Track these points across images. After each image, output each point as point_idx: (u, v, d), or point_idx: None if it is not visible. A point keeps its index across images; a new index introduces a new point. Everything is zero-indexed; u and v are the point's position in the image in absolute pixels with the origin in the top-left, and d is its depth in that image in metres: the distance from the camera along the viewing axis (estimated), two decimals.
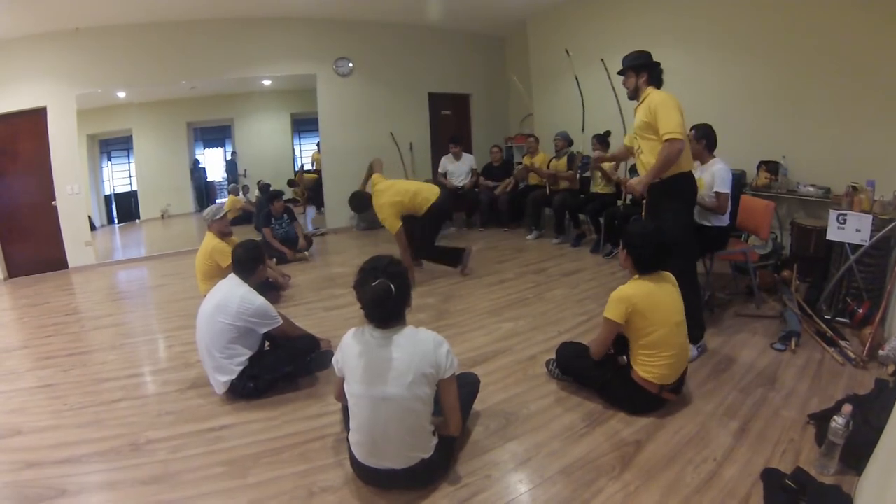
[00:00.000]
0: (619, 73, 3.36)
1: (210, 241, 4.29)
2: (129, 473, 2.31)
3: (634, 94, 3.30)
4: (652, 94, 3.14)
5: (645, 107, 3.14)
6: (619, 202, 6.01)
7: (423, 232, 5.09)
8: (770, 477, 2.06)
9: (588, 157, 6.18)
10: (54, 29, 6.07)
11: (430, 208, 4.87)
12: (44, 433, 2.66)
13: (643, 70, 3.23)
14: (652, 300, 2.55)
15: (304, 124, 9.73)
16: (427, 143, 8.70)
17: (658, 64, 3.25)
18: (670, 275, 2.70)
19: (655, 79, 3.23)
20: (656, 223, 3.04)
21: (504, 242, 6.65)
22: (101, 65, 6.46)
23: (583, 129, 6.59)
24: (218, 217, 4.35)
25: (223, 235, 4.36)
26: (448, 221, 6.93)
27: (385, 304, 1.97)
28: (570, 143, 6.62)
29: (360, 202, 5.15)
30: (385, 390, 1.95)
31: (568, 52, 6.71)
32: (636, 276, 2.64)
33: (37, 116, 6.15)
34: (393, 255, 2.15)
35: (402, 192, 4.86)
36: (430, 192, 4.91)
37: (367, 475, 2.11)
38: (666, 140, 3.00)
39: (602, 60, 5.97)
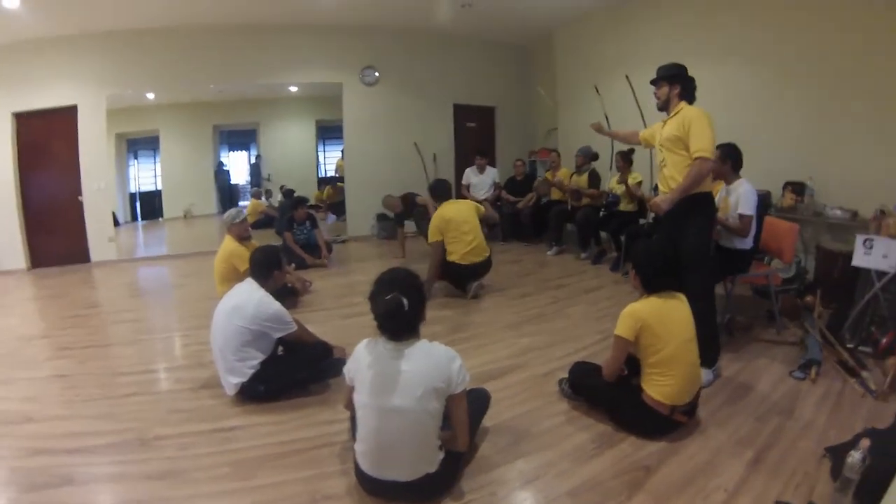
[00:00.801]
0: (652, 82, 3.28)
1: (229, 244, 4.33)
2: (136, 467, 2.32)
3: (665, 106, 3.23)
4: (686, 109, 3.08)
5: (678, 120, 3.07)
6: (642, 221, 5.96)
7: None
8: None
9: (616, 196, 6.15)
10: (88, 30, 6.22)
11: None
12: (55, 422, 2.69)
13: (676, 81, 3.16)
14: (661, 316, 2.52)
15: (328, 131, 9.84)
16: (451, 154, 8.73)
17: (692, 79, 3.19)
18: (681, 294, 2.66)
19: (688, 93, 3.17)
20: (674, 242, 3.00)
21: (526, 257, 6.62)
22: (132, 66, 6.60)
23: (610, 168, 6.55)
24: (238, 220, 4.41)
25: (242, 239, 4.40)
26: None
27: (398, 318, 1.97)
28: (594, 157, 6.57)
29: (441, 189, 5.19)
30: (394, 402, 1.93)
31: (597, 90, 6.66)
32: (645, 295, 2.61)
33: (68, 114, 6.30)
34: (409, 269, 2.14)
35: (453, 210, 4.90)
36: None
37: (370, 486, 2.09)
38: (696, 158, 2.95)
39: (627, 77, 5.92)
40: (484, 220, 5.05)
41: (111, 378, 3.20)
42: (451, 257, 4.80)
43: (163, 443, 2.51)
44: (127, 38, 6.46)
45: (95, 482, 2.22)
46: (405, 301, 1.95)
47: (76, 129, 6.35)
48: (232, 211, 4.50)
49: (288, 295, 4.55)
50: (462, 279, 4.95)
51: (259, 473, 2.30)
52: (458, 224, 4.81)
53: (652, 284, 2.59)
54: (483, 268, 4.95)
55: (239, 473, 2.29)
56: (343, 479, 2.25)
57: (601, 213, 6.32)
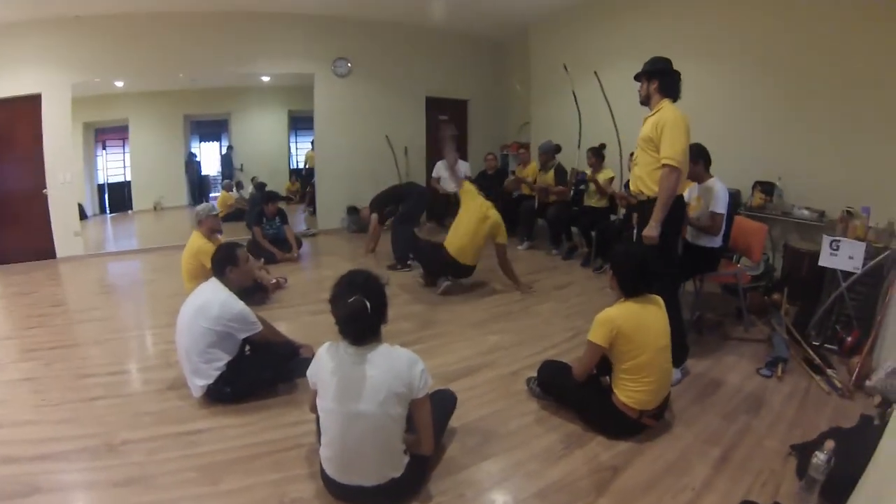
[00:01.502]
0: (636, 77, 3.24)
1: (196, 240, 4.31)
2: (104, 474, 2.30)
3: (646, 101, 3.19)
4: (665, 110, 3.02)
5: (654, 121, 3.04)
6: (613, 217, 6.04)
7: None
8: None
9: (584, 174, 6.19)
10: (53, 15, 6.03)
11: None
12: (22, 427, 2.65)
13: (655, 77, 3.11)
14: (637, 323, 2.53)
15: (300, 122, 9.72)
16: (423, 147, 8.72)
17: (677, 73, 3.13)
18: (659, 298, 2.68)
19: (668, 88, 3.10)
20: (642, 244, 3.05)
21: (492, 252, 6.62)
22: (99, 54, 6.43)
23: (579, 146, 6.60)
24: (213, 213, 4.46)
25: (212, 233, 4.39)
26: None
27: (359, 322, 1.96)
28: (556, 150, 6.60)
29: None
30: (357, 407, 1.93)
31: (566, 68, 6.72)
32: (622, 299, 2.63)
33: (31, 103, 6.11)
34: (370, 271, 2.13)
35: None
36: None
37: (336, 490, 2.11)
38: (665, 165, 2.91)
39: (595, 73, 5.96)
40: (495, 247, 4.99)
41: (78, 380, 3.16)
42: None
43: (130, 448, 2.50)
44: (94, 24, 6.28)
45: (63, 490, 2.20)
46: (368, 304, 1.93)
47: (40, 119, 6.18)
48: (205, 205, 4.51)
49: (256, 291, 4.54)
50: (435, 266, 5.04)
51: (226, 478, 2.30)
52: (461, 217, 4.95)
53: (630, 288, 2.60)
54: (457, 269, 4.96)
55: (206, 478, 2.29)
56: (311, 482, 2.26)
57: (573, 209, 6.37)
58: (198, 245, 4.26)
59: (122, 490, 2.20)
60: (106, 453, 2.45)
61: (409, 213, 5.92)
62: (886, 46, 4.09)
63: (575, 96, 6.63)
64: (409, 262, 5.63)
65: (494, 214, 4.93)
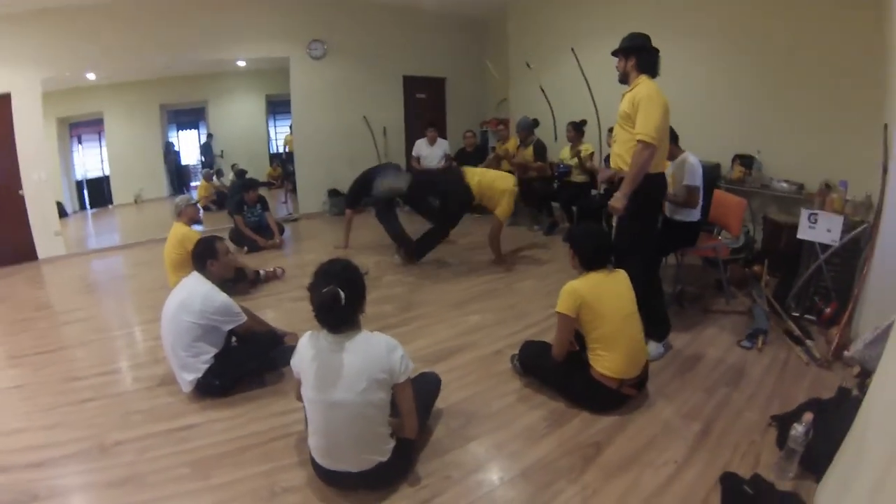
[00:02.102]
0: (613, 53, 3.21)
1: (180, 229, 4.33)
2: (98, 476, 2.33)
3: (624, 78, 3.18)
4: (641, 86, 3.01)
5: (630, 97, 3.03)
6: (594, 191, 6.07)
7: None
8: (728, 482, 2.11)
9: (566, 166, 6.20)
10: (17, 10, 5.88)
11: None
12: (14, 436, 2.67)
13: (632, 54, 3.10)
14: (599, 291, 2.63)
15: (278, 106, 9.61)
16: (401, 127, 8.70)
17: (655, 50, 3.11)
18: (622, 271, 2.76)
19: (646, 65, 3.09)
20: (620, 223, 3.10)
21: (477, 229, 6.64)
22: (67, 47, 6.27)
23: (555, 139, 6.62)
24: (191, 203, 4.53)
25: (193, 223, 4.46)
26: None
27: (334, 311, 1.97)
28: (533, 125, 6.61)
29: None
30: (335, 396, 1.98)
31: (529, 65, 6.73)
32: (584, 273, 2.72)
33: (0, 103, 5.99)
34: (349, 260, 2.16)
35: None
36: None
37: (325, 476, 2.17)
38: (638, 141, 2.92)
39: (572, 49, 5.94)
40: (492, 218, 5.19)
41: (67, 384, 3.17)
42: None
43: (122, 448, 2.53)
44: (60, 16, 6.10)
45: (60, 496, 2.22)
46: (342, 294, 1.95)
47: (11, 119, 6.05)
48: (183, 196, 4.56)
49: (240, 281, 4.60)
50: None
51: (218, 471, 2.35)
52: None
53: (589, 262, 2.70)
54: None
55: (198, 473, 2.34)
56: (301, 470, 2.32)
57: (555, 186, 6.39)
58: (182, 232, 4.29)
59: (117, 491, 2.24)
60: (99, 455, 2.48)
61: (375, 204, 5.72)
62: (864, 25, 4.09)
63: (543, 91, 6.63)
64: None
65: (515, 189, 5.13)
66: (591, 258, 2.70)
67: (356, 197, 5.80)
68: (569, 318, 2.64)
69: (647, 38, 3.13)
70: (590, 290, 2.62)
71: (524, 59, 7.83)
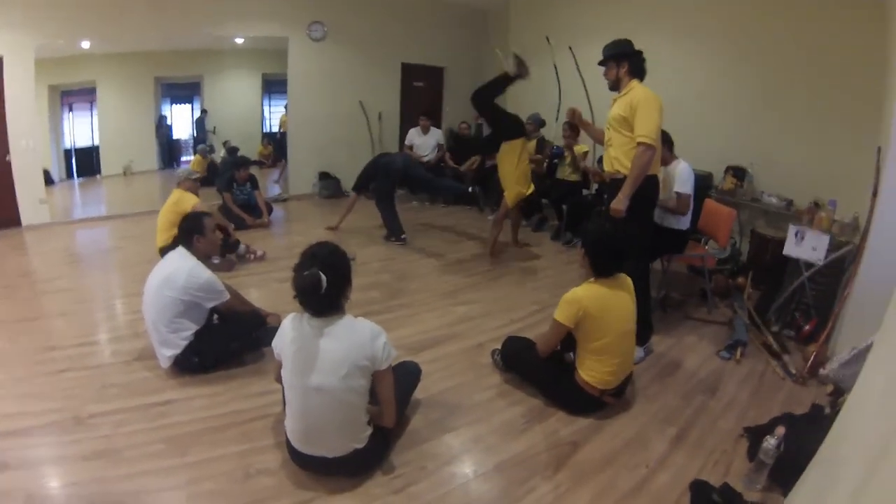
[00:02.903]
0: (600, 63, 3.24)
1: (178, 193, 4.63)
2: (71, 449, 2.31)
3: (615, 85, 3.20)
4: (636, 90, 3.05)
5: (626, 101, 3.04)
6: (585, 191, 6.08)
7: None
8: (699, 489, 2.14)
9: (560, 148, 6.19)
10: None
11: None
12: None
13: (624, 60, 3.12)
14: (604, 305, 2.55)
15: (274, 85, 9.56)
16: (396, 114, 8.65)
17: (639, 53, 3.14)
18: (628, 280, 2.70)
19: (637, 69, 3.13)
20: (614, 223, 3.08)
21: (466, 221, 6.69)
22: (63, 13, 6.16)
23: (556, 119, 6.59)
24: (193, 178, 4.79)
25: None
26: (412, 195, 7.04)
27: (314, 295, 1.94)
28: (542, 125, 6.62)
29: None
30: (315, 381, 1.96)
31: (549, 40, 6.67)
32: (591, 279, 2.64)
33: None
34: (336, 245, 2.13)
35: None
36: None
37: (301, 461, 2.16)
38: (639, 144, 2.94)
39: (570, 48, 5.93)
40: None
41: (44, 353, 3.14)
42: None
43: (97, 420, 2.51)
44: None
45: (31, 466, 2.21)
46: (324, 278, 1.92)
47: (2, 83, 5.94)
48: (185, 168, 4.97)
49: (228, 250, 4.77)
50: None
51: (194, 449, 2.34)
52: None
53: (602, 268, 2.61)
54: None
55: (174, 450, 2.33)
56: (276, 452, 2.32)
57: (546, 181, 6.40)
58: (179, 195, 4.59)
59: (91, 464, 2.22)
60: (73, 427, 2.46)
61: (380, 189, 5.85)
62: (864, 44, 4.10)
63: (556, 69, 6.60)
64: (402, 237, 5.61)
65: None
66: (604, 265, 2.60)
67: (366, 182, 5.83)
68: (564, 328, 2.59)
69: (631, 42, 3.16)
70: (593, 302, 2.53)
71: (524, 53, 7.79)
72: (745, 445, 2.48)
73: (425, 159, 7.30)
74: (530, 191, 5.09)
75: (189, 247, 2.99)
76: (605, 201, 3.40)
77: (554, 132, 6.66)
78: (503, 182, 5.04)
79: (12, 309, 3.77)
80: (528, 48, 7.70)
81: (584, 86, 5.71)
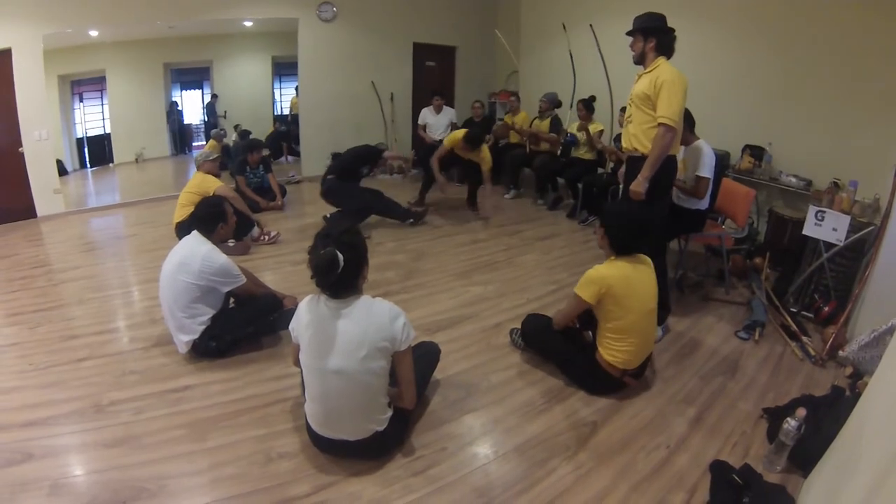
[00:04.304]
0: (628, 33, 3.12)
1: (200, 176, 4.75)
2: (93, 436, 2.33)
3: (640, 60, 3.09)
4: (662, 67, 2.95)
5: (651, 79, 2.95)
6: (601, 170, 6.00)
7: None
8: (718, 470, 2.12)
9: (574, 136, 6.09)
10: None
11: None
12: (9, 394, 2.65)
13: (653, 35, 3.00)
14: (627, 284, 2.51)
15: (284, 68, 9.50)
16: (409, 94, 8.54)
17: (671, 30, 3.03)
18: (648, 259, 2.66)
19: (665, 47, 3.01)
20: (633, 203, 3.02)
21: (481, 200, 6.61)
22: (71, 2, 6.15)
23: (571, 105, 6.48)
24: (211, 159, 4.86)
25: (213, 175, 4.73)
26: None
27: (331, 275, 1.89)
28: (557, 105, 6.53)
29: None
30: (335, 363, 1.94)
31: (565, 27, 6.54)
32: (612, 258, 2.60)
33: (1, 59, 5.87)
34: (354, 225, 2.11)
35: None
36: None
37: (321, 444, 2.16)
38: (660, 124, 2.88)
39: (591, 26, 5.81)
40: None
41: (63, 342, 3.16)
42: None
43: (117, 408, 2.52)
44: None
45: (54, 455, 2.21)
46: (340, 257, 1.88)
47: (11, 75, 5.95)
48: (204, 151, 4.95)
49: (246, 228, 4.81)
50: None
51: (213, 434, 2.34)
52: None
53: (621, 247, 2.57)
54: None
55: (193, 435, 2.34)
56: (296, 436, 2.32)
57: (560, 159, 6.32)
58: (202, 177, 4.72)
59: (112, 451, 2.23)
60: (94, 415, 2.47)
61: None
62: (886, 25, 4.00)
63: (571, 56, 6.47)
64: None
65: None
66: (625, 244, 2.56)
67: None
68: (585, 304, 2.55)
69: (664, 18, 3.03)
70: (619, 282, 2.49)
71: (536, 31, 7.69)
72: (765, 427, 2.46)
73: (438, 138, 7.22)
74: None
75: (210, 233, 2.97)
76: (624, 179, 3.34)
77: (568, 119, 6.55)
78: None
79: (31, 299, 3.79)
80: (538, 29, 7.64)
81: (604, 63, 5.61)
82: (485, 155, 5.58)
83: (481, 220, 5.78)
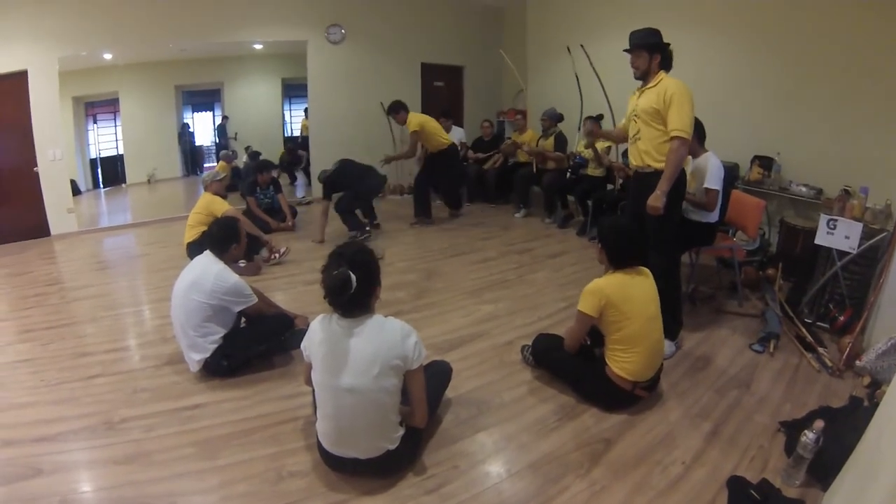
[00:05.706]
0: (627, 50, 3.12)
1: (208, 196, 4.77)
2: (104, 453, 2.32)
3: (643, 76, 3.09)
4: (667, 81, 2.96)
5: (657, 93, 2.95)
6: (610, 186, 6.00)
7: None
8: (735, 485, 2.08)
9: (582, 158, 6.11)
10: None
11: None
12: (21, 410, 2.66)
13: (657, 51, 3.02)
14: (625, 292, 2.54)
15: (294, 89, 9.61)
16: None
17: (668, 45, 3.05)
18: (647, 270, 2.68)
19: (666, 61, 3.04)
20: (640, 216, 3.03)
21: (490, 219, 6.65)
22: (85, 25, 6.25)
23: (578, 128, 6.51)
24: (218, 179, 4.90)
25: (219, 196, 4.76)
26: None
27: (344, 295, 1.91)
28: (559, 120, 6.54)
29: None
30: (347, 381, 1.94)
31: (569, 50, 6.60)
32: (611, 271, 2.63)
33: (17, 80, 5.97)
34: (365, 244, 2.12)
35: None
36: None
37: (332, 462, 2.14)
38: (674, 137, 2.88)
39: (582, 46, 5.88)
40: None
41: (75, 360, 3.17)
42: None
43: (128, 425, 2.52)
44: None
45: (65, 471, 2.21)
46: (353, 277, 1.90)
47: (28, 96, 6.06)
48: (210, 172, 4.95)
49: (255, 249, 4.83)
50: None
51: (224, 452, 2.33)
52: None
53: (618, 260, 2.60)
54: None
55: (204, 453, 2.33)
56: (307, 454, 2.30)
57: (568, 177, 6.32)
58: (210, 198, 4.73)
59: (123, 468, 2.23)
60: (105, 432, 2.48)
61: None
62: (891, 29, 4.01)
63: (577, 78, 6.52)
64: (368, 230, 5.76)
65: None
66: (620, 257, 2.60)
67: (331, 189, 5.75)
68: (590, 318, 2.57)
69: (660, 32, 3.06)
70: (616, 291, 2.52)
71: (542, 50, 7.76)
72: (782, 440, 2.41)
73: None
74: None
75: (223, 253, 2.99)
76: (630, 195, 3.34)
77: (577, 139, 6.55)
78: None
79: (44, 316, 3.82)
80: (544, 48, 7.71)
81: (600, 81, 5.64)
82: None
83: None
